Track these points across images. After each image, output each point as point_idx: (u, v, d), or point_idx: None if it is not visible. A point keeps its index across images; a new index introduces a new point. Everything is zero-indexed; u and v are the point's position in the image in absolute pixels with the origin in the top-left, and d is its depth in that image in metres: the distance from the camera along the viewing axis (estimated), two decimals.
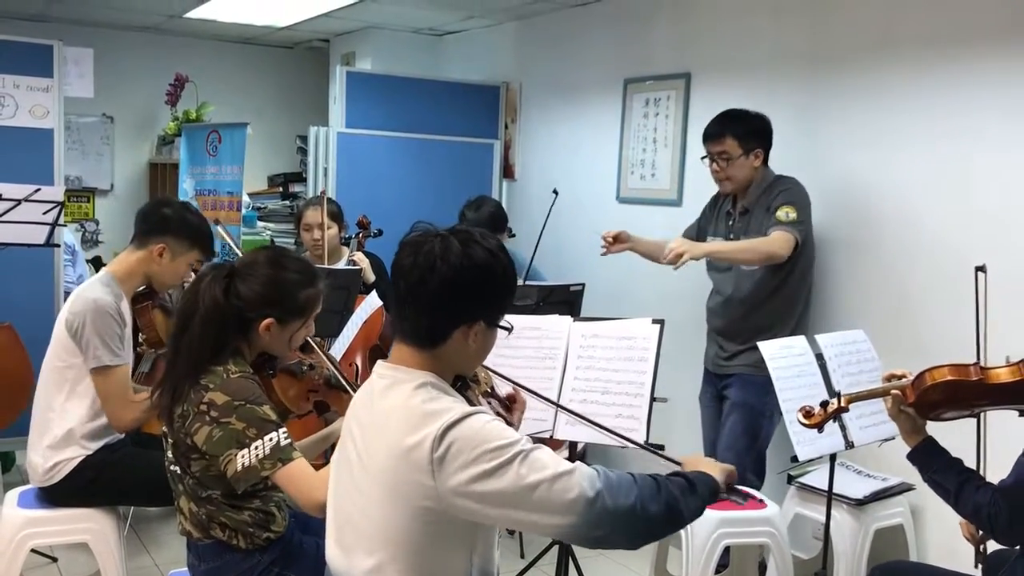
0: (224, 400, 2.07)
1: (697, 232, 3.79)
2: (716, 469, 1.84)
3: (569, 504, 1.58)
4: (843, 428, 2.89)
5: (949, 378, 2.18)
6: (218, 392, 2.08)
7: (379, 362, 1.80)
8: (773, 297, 3.50)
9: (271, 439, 2.05)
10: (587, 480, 1.60)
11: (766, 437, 3.55)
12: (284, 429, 2.10)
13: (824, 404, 2.38)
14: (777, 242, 3.35)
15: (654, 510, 1.65)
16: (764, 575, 3.37)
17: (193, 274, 2.86)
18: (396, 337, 1.77)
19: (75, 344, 2.80)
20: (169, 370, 2.19)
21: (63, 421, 2.83)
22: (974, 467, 2.41)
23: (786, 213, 3.39)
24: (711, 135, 3.56)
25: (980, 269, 2.58)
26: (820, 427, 2.41)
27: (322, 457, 3.63)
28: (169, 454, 2.19)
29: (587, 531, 1.60)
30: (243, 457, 2.03)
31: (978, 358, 2.47)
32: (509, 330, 1.80)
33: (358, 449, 1.73)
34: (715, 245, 3.47)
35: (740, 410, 3.54)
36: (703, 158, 3.63)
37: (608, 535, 1.62)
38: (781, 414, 3.43)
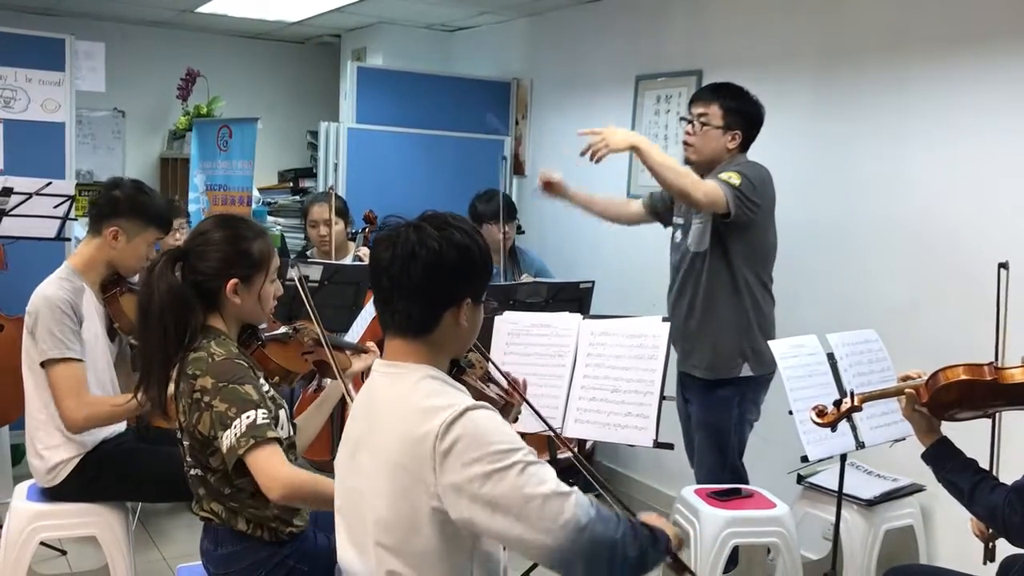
0: (212, 383, 2.07)
1: (661, 197, 3.60)
2: (671, 531, 1.77)
3: (560, 526, 1.54)
4: (854, 428, 2.87)
5: (963, 378, 2.16)
6: (206, 377, 2.08)
7: (377, 360, 1.80)
8: (717, 301, 3.28)
9: (248, 417, 2.03)
10: (581, 507, 1.56)
11: (737, 448, 3.39)
12: (264, 410, 2.07)
13: (837, 403, 2.38)
14: (704, 185, 3.09)
15: (632, 554, 1.61)
16: None
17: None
18: (388, 333, 1.77)
19: (33, 341, 2.76)
20: (144, 366, 2.17)
21: (51, 419, 2.79)
22: (987, 467, 2.39)
23: (728, 176, 3.13)
24: (700, 96, 3.35)
25: (1003, 266, 2.56)
26: (833, 426, 2.41)
27: (327, 452, 3.64)
28: (188, 458, 2.18)
29: (569, 556, 1.55)
30: (227, 438, 2.03)
31: (996, 356, 2.45)
32: (495, 308, 1.81)
33: (366, 449, 1.72)
34: (644, 145, 3.12)
35: (705, 430, 3.40)
36: (681, 119, 3.42)
37: (586, 567, 1.57)
38: (749, 423, 3.38)
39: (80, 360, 2.76)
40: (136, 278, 3.00)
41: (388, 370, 1.75)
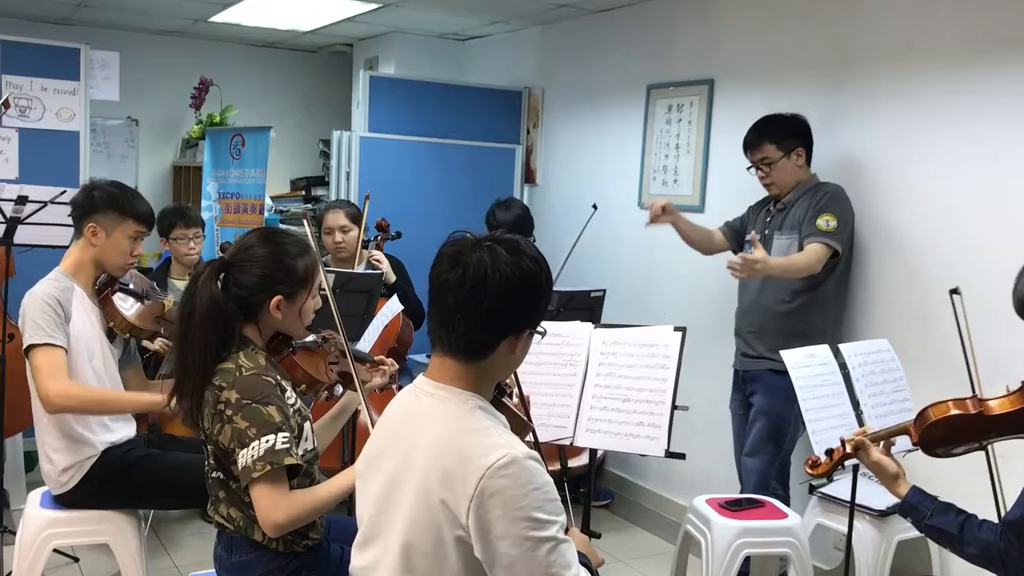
0: (235, 398, 2.08)
1: (739, 226, 3.81)
2: (596, 561, 1.89)
3: None
4: None
5: (951, 413, 2.14)
6: (231, 391, 2.09)
7: (422, 377, 1.76)
8: (805, 302, 3.49)
9: (268, 441, 2.04)
10: None
11: (791, 444, 3.54)
12: (285, 432, 2.07)
13: (829, 452, 2.42)
14: (813, 257, 3.38)
15: None
16: None
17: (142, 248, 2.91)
18: (438, 350, 1.72)
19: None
20: (180, 375, 2.18)
21: (53, 423, 2.79)
22: (993, 500, 2.37)
23: (826, 221, 3.41)
24: (749, 144, 3.60)
25: (954, 292, 2.54)
26: (829, 475, 2.45)
27: (337, 460, 3.65)
28: (211, 461, 2.19)
29: None
30: (242, 457, 2.04)
31: (972, 388, 2.43)
32: (543, 334, 1.77)
33: (396, 466, 1.70)
34: (776, 261, 3.38)
35: (765, 417, 3.53)
36: (748, 168, 3.64)
37: None
38: (803, 423, 3.42)
39: (62, 347, 2.75)
40: (127, 277, 3.03)
41: (434, 391, 1.71)
